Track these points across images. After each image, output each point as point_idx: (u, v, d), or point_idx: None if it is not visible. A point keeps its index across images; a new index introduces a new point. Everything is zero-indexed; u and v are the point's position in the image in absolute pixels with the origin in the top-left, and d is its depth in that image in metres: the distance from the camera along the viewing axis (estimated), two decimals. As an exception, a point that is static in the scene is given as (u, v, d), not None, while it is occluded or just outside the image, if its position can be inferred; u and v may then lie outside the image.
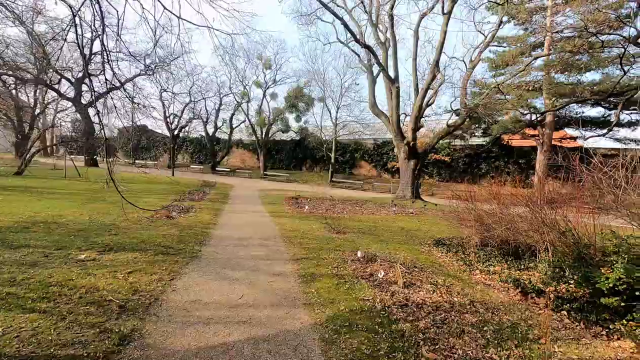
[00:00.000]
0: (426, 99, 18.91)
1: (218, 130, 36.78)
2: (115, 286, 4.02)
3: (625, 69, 9.98)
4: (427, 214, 12.89)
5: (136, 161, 37.77)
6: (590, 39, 12.16)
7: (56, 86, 26.94)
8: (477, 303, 4.24)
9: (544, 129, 22.34)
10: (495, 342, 3.27)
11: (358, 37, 18.80)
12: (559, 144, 23.39)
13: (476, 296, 4.51)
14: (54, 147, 38.53)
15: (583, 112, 22.55)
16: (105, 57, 4.16)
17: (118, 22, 4.44)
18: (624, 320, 3.42)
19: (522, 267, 5.82)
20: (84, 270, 4.41)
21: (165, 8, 4.93)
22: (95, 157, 28.86)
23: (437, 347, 3.12)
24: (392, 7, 18.77)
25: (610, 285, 3.49)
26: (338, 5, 19.18)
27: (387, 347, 3.07)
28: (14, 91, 26.51)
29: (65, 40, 6.28)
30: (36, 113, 29.19)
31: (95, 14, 4.00)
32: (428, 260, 6.22)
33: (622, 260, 3.51)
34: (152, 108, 27.65)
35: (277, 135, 36.44)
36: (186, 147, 43.74)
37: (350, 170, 34.52)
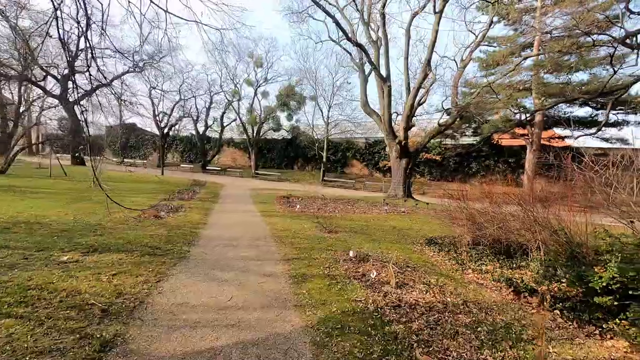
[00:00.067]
0: (418, 98, 18.96)
1: (209, 128, 36.42)
2: (99, 289, 3.86)
3: (615, 68, 10.10)
4: (418, 213, 12.89)
5: (125, 160, 37.13)
6: (579, 39, 12.30)
7: (41, 83, 26.29)
8: (470, 303, 4.19)
9: (533, 129, 22.58)
10: (490, 343, 3.22)
11: (350, 35, 18.74)
12: (547, 143, 23.69)
13: (469, 296, 4.46)
14: (39, 145, 37.66)
15: (571, 112, 22.88)
16: (90, 53, 4.00)
17: (103, 16, 4.28)
18: (617, 320, 3.39)
19: (514, 265, 5.81)
20: (65, 273, 4.24)
21: (152, 1, 4.77)
22: (82, 155, 28.27)
23: (431, 349, 3.05)
24: (383, 6, 18.77)
25: (604, 284, 3.47)
26: (330, 4, 19.12)
27: (380, 349, 2.99)
28: (-3, 88, 25.85)
29: (48, 34, 6.06)
30: (21, 110, 28.46)
31: (79, 7, 3.84)
32: (420, 260, 6.17)
33: (616, 259, 3.49)
34: (140, 105, 27.20)
35: (269, 134, 36.20)
36: (176, 146, 43.16)
37: (342, 169, 34.48)
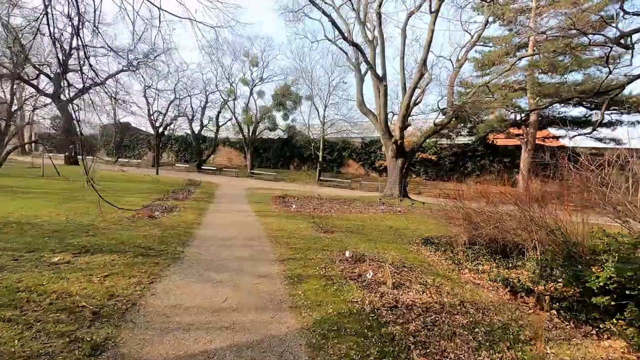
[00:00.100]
0: (414, 98, 18.96)
1: (204, 128, 36.14)
2: (90, 291, 3.78)
3: (610, 67, 10.15)
4: (414, 213, 12.88)
5: (119, 159, 36.80)
6: (573, 40, 12.37)
7: (34, 81, 25.94)
8: (467, 303, 4.16)
9: (528, 129, 22.69)
10: (487, 344, 3.18)
11: (346, 34, 18.71)
12: (542, 143, 23.82)
13: (466, 296, 4.44)
14: (32, 144, 37.22)
15: (566, 112, 23.00)
16: (83, 50, 3.91)
17: (95, 12, 4.19)
18: (614, 320, 3.38)
19: (510, 265, 5.80)
20: (56, 274, 4.15)
21: (144, -2, 4.69)
22: (75, 155, 27.96)
23: (428, 350, 3.01)
24: (379, 5, 18.75)
25: (601, 284, 3.45)
26: (326, 3, 19.05)
27: (376, 352, 2.95)
28: (-12, 86, 25.44)
29: (39, 31, 5.93)
30: (13, 109, 28.07)
31: (71, 3, 3.75)
32: (417, 260, 6.15)
33: (613, 259, 3.47)
34: (133, 103, 26.89)
35: (265, 133, 36.04)
36: (171, 145, 42.83)
37: (338, 169, 34.44)
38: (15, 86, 28.24)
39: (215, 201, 13.06)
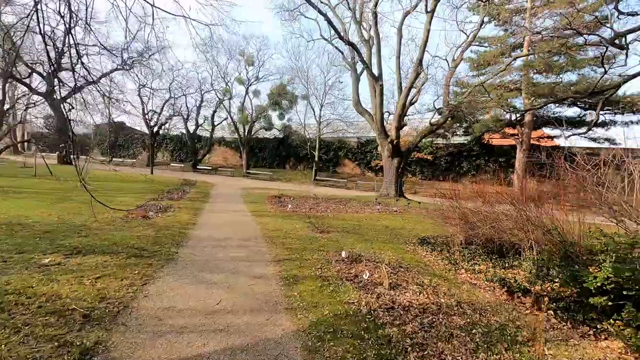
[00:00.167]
0: (409, 98, 18.97)
1: (199, 127, 35.89)
2: (81, 293, 3.70)
3: (605, 67, 10.19)
4: (410, 212, 12.87)
5: (113, 159, 36.47)
6: (568, 40, 12.42)
7: (27, 80, 25.62)
8: (464, 304, 4.13)
9: (523, 128, 22.79)
10: (485, 346, 3.15)
11: (342, 34, 18.65)
12: (537, 143, 23.96)
13: (463, 296, 4.41)
14: (25, 144, 36.79)
15: (560, 112, 23.14)
16: (75, 48, 3.83)
17: (87, 9, 4.11)
18: (611, 320, 3.36)
19: (507, 265, 5.78)
20: (46, 276, 4.06)
21: (137, -5, 4.61)
22: (68, 154, 27.65)
23: (425, 353, 2.97)
24: (375, 5, 18.73)
25: (599, 284, 3.43)
26: (322, 2, 18.99)
27: (373, 354, 2.90)
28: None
29: (29, 28, 5.82)
30: (5, 108, 27.71)
31: (62, 0, 3.67)
32: (413, 260, 6.11)
33: (610, 259, 3.46)
34: (127, 102, 26.63)
35: (260, 133, 35.85)
36: (166, 145, 42.48)
37: (334, 169, 34.38)
38: (7, 85, 27.91)
39: (210, 201, 12.96)
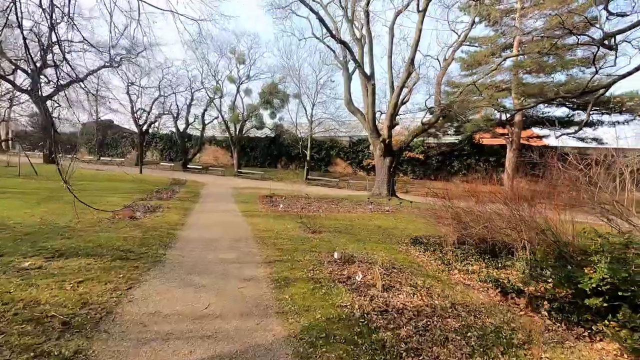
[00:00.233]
0: (401, 97, 18.96)
1: (189, 126, 35.43)
2: (61, 299, 3.53)
3: (596, 67, 10.29)
4: (402, 212, 12.84)
5: (101, 158, 35.79)
6: (557, 41, 12.52)
7: (10, 77, 24.92)
8: (458, 306, 4.07)
9: (513, 128, 23.02)
10: (481, 349, 3.08)
11: (334, 32, 18.53)
12: (526, 142, 24.22)
13: (457, 298, 4.35)
14: (9, 142, 35.88)
15: (549, 112, 23.42)
16: (58, 44, 3.67)
17: (69, 4, 3.93)
18: (606, 321, 3.32)
19: (500, 265, 5.75)
20: (25, 281, 3.88)
21: (122, -13, 4.44)
22: (52, 153, 27.02)
23: (421, 358, 2.89)
24: (367, 4, 18.65)
25: (594, 285, 3.39)
26: (314, 0, 18.83)
27: (367, 360, 2.81)
28: (-39, 81, 24.34)
29: (8, 20, 5.59)
30: (-13, 106, 26.98)
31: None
32: (406, 260, 6.05)
33: (606, 260, 3.42)
34: (115, 100, 26.15)
35: (252, 132, 35.58)
36: (155, 144, 41.90)
37: (325, 168, 34.31)
38: (-11, 81, 27.11)
39: (200, 201, 12.75)
